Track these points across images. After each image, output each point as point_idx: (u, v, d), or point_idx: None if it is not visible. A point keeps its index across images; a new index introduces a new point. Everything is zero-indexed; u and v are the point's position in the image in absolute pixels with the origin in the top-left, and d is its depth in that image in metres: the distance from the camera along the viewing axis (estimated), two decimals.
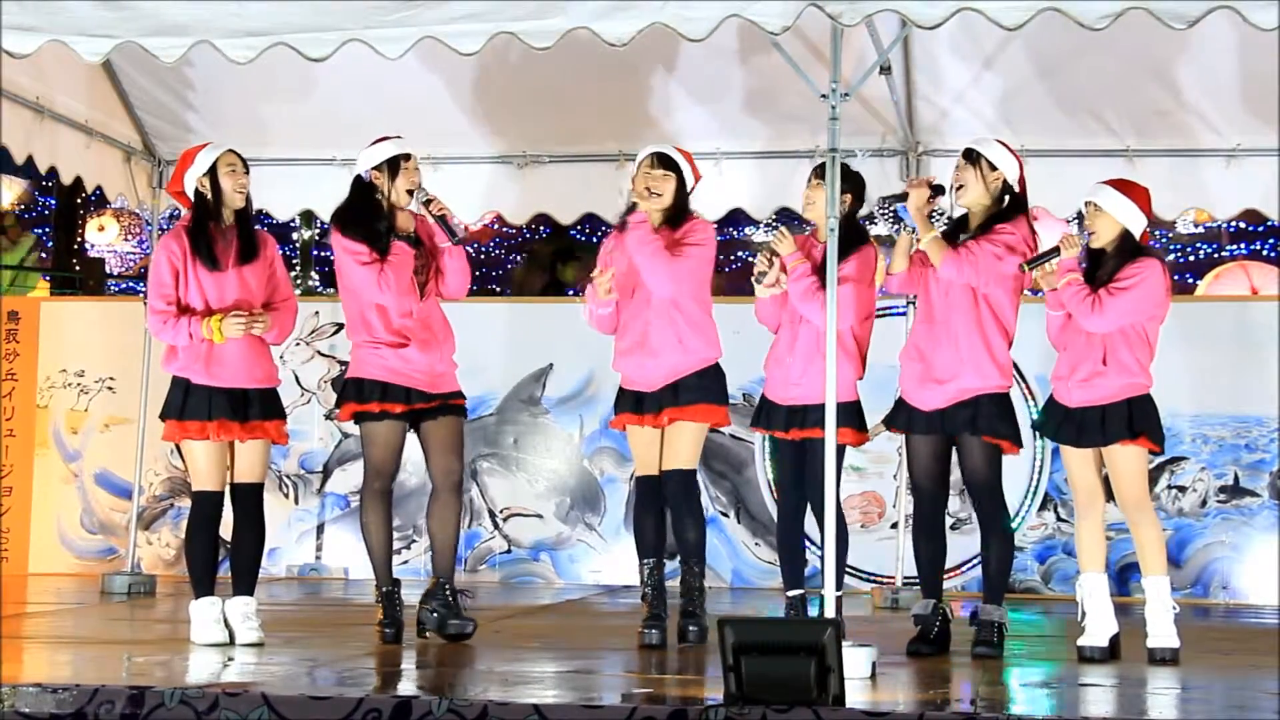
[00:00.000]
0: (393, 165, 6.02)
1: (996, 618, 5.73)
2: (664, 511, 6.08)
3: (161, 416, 5.93)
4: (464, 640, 5.88)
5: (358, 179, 6.10)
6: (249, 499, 5.93)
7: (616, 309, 6.10)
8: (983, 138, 6.06)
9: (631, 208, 6.04)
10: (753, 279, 6.07)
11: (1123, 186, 5.78)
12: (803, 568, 6.18)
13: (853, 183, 6.16)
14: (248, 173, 5.94)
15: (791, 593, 6.10)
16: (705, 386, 5.96)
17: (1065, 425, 5.73)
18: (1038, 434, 6.10)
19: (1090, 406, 5.65)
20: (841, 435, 5.58)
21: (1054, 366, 5.81)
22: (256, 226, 6.08)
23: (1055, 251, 5.69)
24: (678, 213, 6.05)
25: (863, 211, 8.53)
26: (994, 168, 5.82)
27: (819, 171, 6.13)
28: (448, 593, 5.96)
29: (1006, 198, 5.88)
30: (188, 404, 5.81)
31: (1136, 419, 5.61)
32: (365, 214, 6.01)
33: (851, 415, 5.92)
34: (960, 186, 5.88)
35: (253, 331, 5.80)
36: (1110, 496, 5.78)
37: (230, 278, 5.84)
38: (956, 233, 5.92)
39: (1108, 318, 5.58)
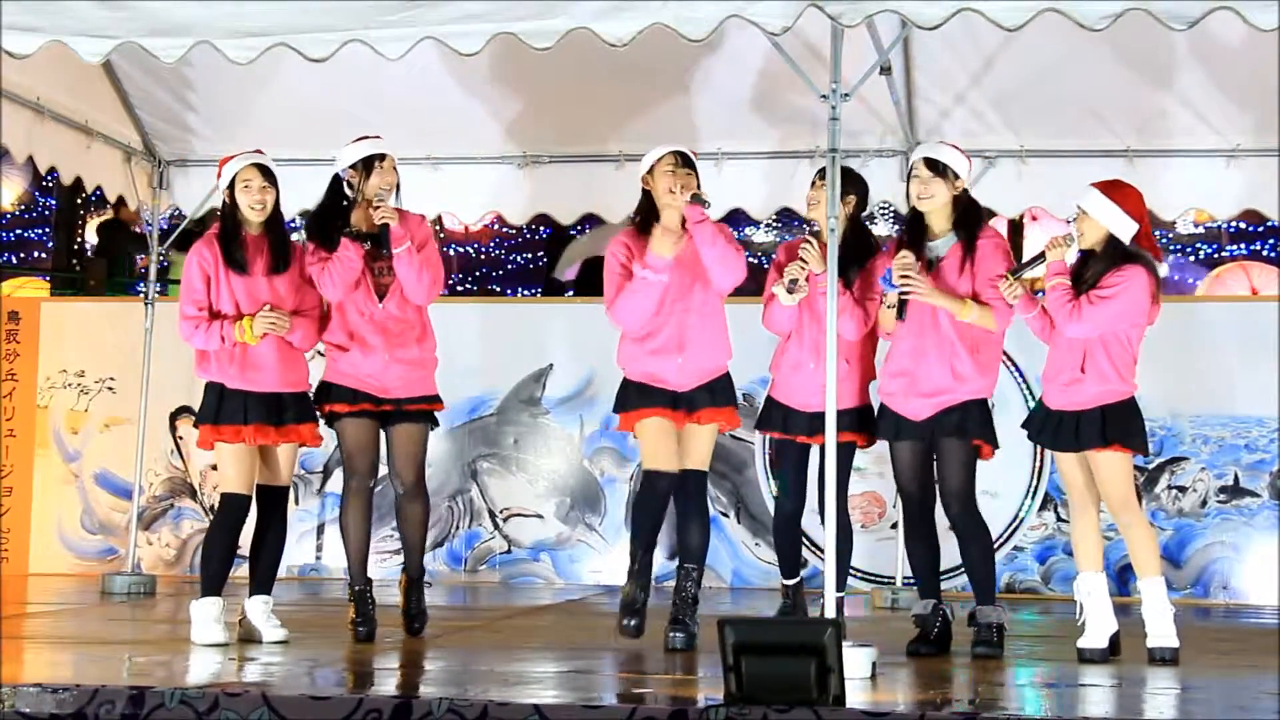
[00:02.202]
0: (368, 164, 6.03)
1: (995, 618, 5.74)
2: (665, 508, 6.01)
3: (196, 423, 6.03)
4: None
5: (335, 177, 6.13)
6: (277, 502, 6.04)
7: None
8: (934, 144, 6.03)
9: (694, 198, 5.85)
10: (782, 288, 5.93)
11: (1111, 190, 5.74)
12: (799, 560, 6.21)
13: (857, 186, 6.14)
14: (273, 184, 5.97)
15: (789, 581, 6.13)
16: (729, 390, 5.98)
17: (1045, 427, 5.77)
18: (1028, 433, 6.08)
19: (1068, 411, 5.68)
20: (858, 438, 6.00)
21: (1043, 367, 5.84)
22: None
23: (1041, 257, 5.71)
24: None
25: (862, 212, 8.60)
26: (959, 176, 5.86)
27: (823, 173, 6.10)
28: (417, 593, 6.15)
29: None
30: (222, 408, 5.87)
31: (1111, 426, 5.60)
32: (329, 213, 6.08)
33: (868, 419, 6.04)
34: (931, 196, 5.84)
35: (274, 331, 5.83)
36: None
37: (260, 284, 5.91)
38: (919, 240, 5.87)
39: (1085, 325, 5.59)
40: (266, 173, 5.97)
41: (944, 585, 6.00)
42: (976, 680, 5.20)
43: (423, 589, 6.20)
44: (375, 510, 6.25)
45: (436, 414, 6.22)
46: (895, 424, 5.87)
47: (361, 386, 6.02)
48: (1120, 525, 5.72)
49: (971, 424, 5.77)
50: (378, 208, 5.95)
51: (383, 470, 6.17)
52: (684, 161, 5.98)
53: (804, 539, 6.26)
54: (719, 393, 5.93)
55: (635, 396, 5.95)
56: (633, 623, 5.79)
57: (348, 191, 6.08)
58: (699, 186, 5.95)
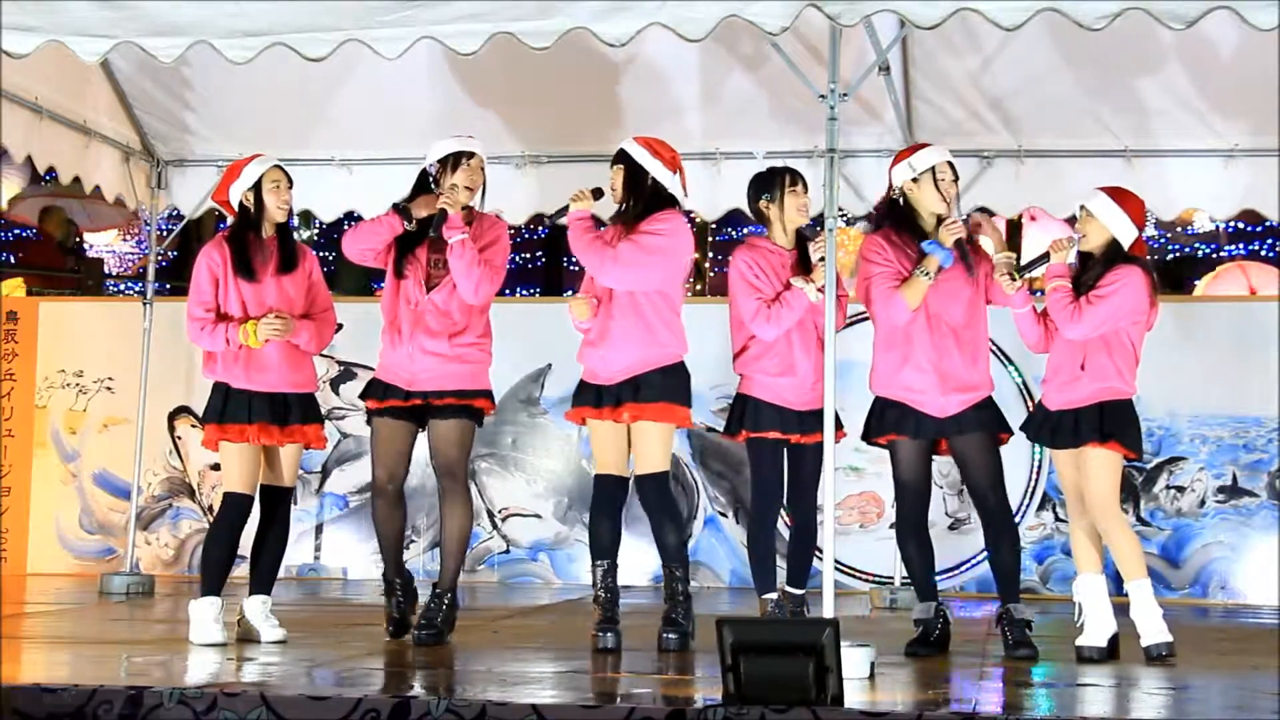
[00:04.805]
0: (455, 161, 6.01)
1: (1028, 615, 5.79)
2: (620, 513, 5.96)
3: (202, 422, 6.07)
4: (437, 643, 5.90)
5: (422, 173, 6.12)
6: (280, 503, 6.08)
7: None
8: (943, 148, 6.01)
9: (565, 209, 5.97)
10: (813, 288, 5.83)
11: (1117, 195, 5.81)
12: (775, 571, 6.10)
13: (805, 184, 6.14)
14: (291, 187, 6.05)
15: (769, 595, 5.97)
16: (667, 385, 5.84)
17: (1044, 427, 5.81)
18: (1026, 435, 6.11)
19: (1066, 410, 5.71)
20: (839, 434, 5.75)
21: (1044, 370, 5.86)
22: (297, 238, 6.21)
23: (1045, 257, 5.73)
24: (635, 201, 5.94)
25: (861, 211, 8.61)
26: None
27: (796, 177, 6.07)
28: (433, 603, 5.97)
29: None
30: (228, 408, 5.91)
31: (1108, 422, 5.63)
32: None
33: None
34: (952, 199, 5.91)
35: (277, 338, 5.85)
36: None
37: (269, 287, 5.95)
38: (915, 233, 5.87)
39: (1085, 325, 5.63)
40: (287, 174, 6.06)
41: (941, 585, 6.02)
42: (974, 680, 5.20)
43: (441, 603, 5.94)
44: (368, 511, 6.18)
45: (480, 411, 6.04)
46: (916, 421, 5.82)
47: (392, 380, 5.99)
48: (1101, 530, 5.71)
49: (998, 417, 5.86)
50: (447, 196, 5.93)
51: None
52: (614, 158, 6.03)
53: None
54: (648, 387, 5.82)
55: (577, 392, 6.01)
56: (608, 636, 5.76)
57: (434, 187, 6.04)
58: (633, 178, 5.94)
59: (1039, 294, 5.93)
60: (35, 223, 13.31)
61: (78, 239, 13.46)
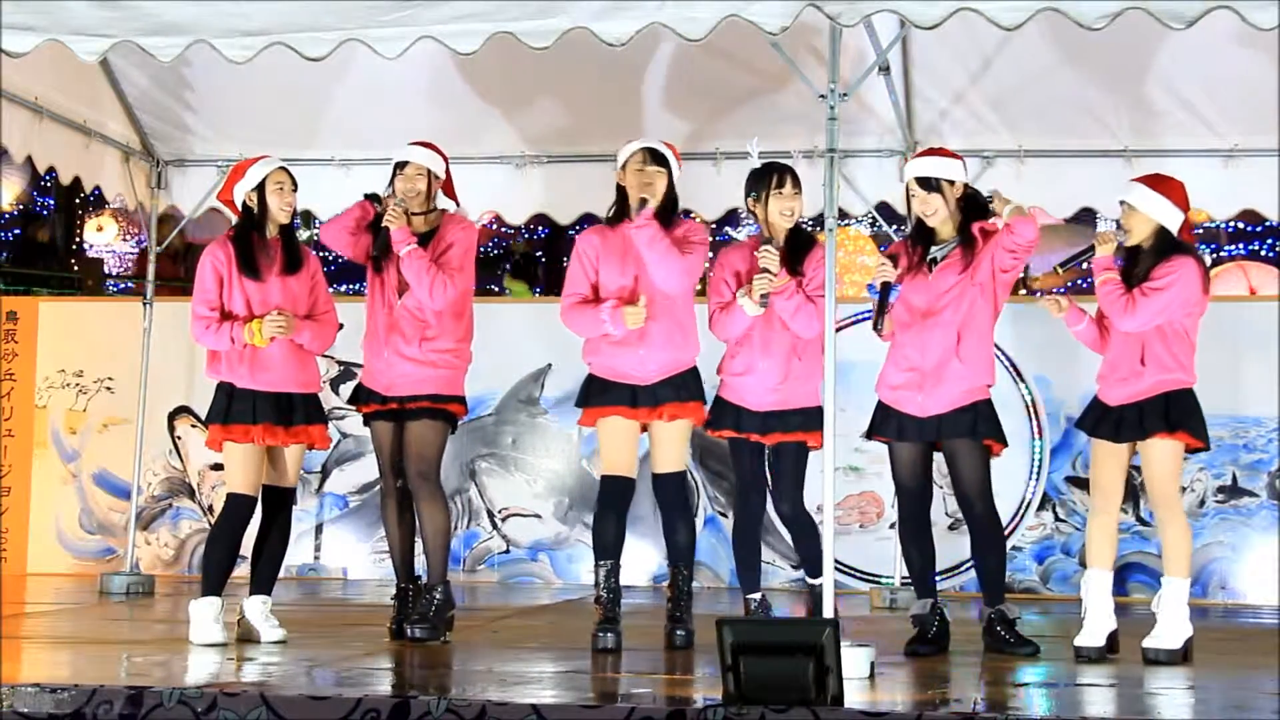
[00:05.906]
0: (394, 170, 6.17)
1: (1015, 614, 5.84)
2: (626, 514, 5.97)
3: (206, 422, 6.06)
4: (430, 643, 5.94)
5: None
6: (282, 503, 6.09)
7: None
8: (923, 159, 5.92)
9: (641, 203, 5.89)
10: (749, 300, 5.83)
11: (1156, 182, 5.75)
12: (760, 571, 6.13)
13: (797, 182, 6.10)
14: (295, 189, 6.07)
15: (752, 595, 6.04)
16: (697, 385, 5.96)
17: (1104, 421, 5.74)
18: (1080, 431, 6.05)
19: (1129, 404, 5.66)
20: (816, 438, 5.85)
21: (1099, 367, 5.82)
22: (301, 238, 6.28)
23: (1090, 250, 5.71)
24: (669, 208, 5.98)
25: (861, 211, 8.62)
26: (952, 183, 5.85)
27: (785, 178, 6.05)
28: (424, 598, 6.05)
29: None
30: (232, 408, 5.91)
31: (1174, 413, 5.61)
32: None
33: (819, 419, 5.68)
34: (934, 212, 5.85)
35: (281, 335, 5.85)
36: (1127, 496, 5.77)
37: (273, 287, 5.97)
38: (925, 243, 5.87)
39: (1140, 318, 5.60)
40: (291, 176, 6.07)
41: (941, 585, 6.02)
42: (975, 680, 5.20)
43: (432, 598, 6.02)
44: (373, 512, 6.24)
45: (454, 415, 6.15)
46: (898, 423, 5.85)
47: (372, 385, 6.13)
48: (1158, 521, 5.73)
49: (982, 424, 5.80)
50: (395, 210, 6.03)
51: None
52: (654, 158, 5.98)
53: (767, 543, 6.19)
54: (683, 387, 5.90)
55: (597, 392, 5.97)
56: (609, 636, 5.75)
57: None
58: (670, 183, 5.95)
59: (1039, 294, 5.92)
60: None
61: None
